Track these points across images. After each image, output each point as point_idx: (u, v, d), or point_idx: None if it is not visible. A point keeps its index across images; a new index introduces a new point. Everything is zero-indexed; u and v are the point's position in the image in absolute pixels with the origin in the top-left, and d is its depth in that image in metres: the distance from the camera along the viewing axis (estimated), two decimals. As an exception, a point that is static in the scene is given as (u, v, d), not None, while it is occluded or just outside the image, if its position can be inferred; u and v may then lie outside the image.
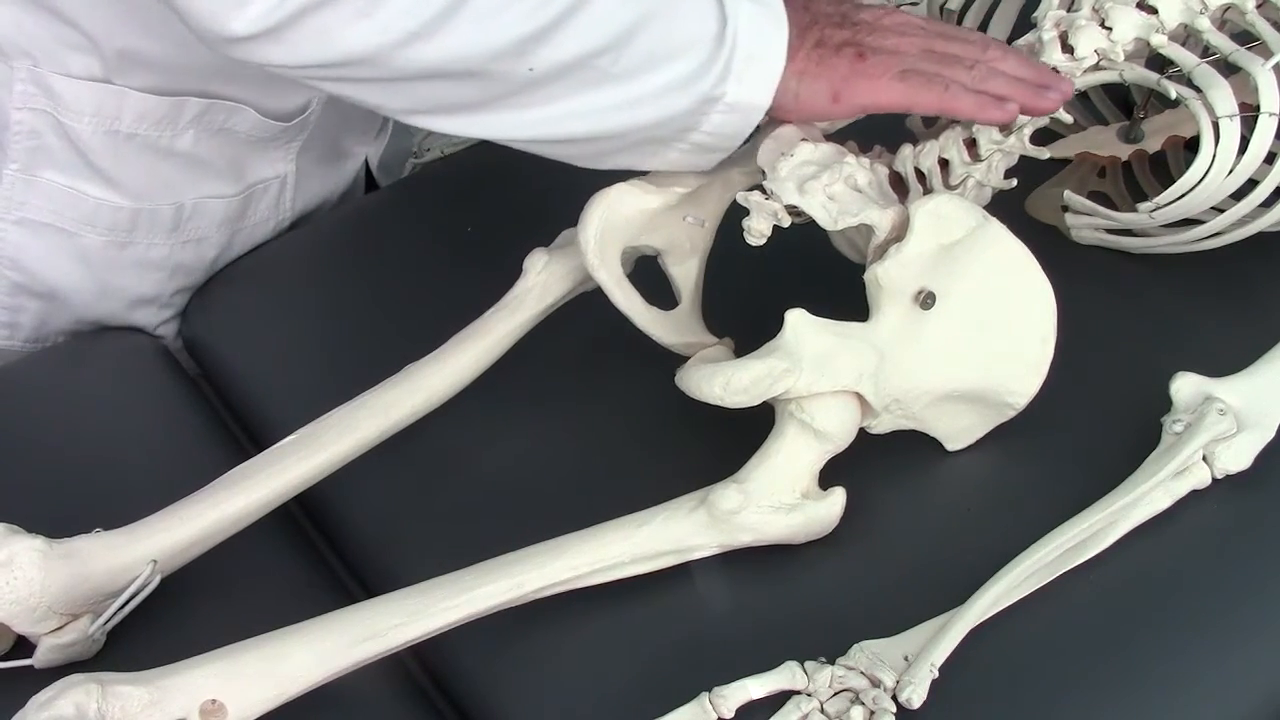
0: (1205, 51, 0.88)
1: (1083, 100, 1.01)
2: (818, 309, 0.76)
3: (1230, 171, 0.86)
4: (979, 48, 0.81)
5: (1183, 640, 0.76)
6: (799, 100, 0.79)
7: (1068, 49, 0.86)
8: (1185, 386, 0.82)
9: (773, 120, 0.81)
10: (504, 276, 0.84)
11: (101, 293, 0.98)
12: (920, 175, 0.83)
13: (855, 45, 0.79)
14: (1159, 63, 0.89)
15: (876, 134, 0.86)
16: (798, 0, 0.80)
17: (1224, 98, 0.85)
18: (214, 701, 0.66)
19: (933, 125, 0.87)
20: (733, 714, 0.71)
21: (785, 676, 0.72)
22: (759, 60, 0.77)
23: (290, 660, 0.68)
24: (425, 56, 0.71)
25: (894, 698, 0.71)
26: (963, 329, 0.79)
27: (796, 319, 0.75)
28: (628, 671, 0.75)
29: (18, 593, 0.70)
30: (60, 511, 0.76)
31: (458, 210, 1.04)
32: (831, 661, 0.72)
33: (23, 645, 0.73)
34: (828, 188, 0.78)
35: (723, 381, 0.74)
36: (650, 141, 0.79)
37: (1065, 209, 0.96)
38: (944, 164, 0.84)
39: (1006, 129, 0.83)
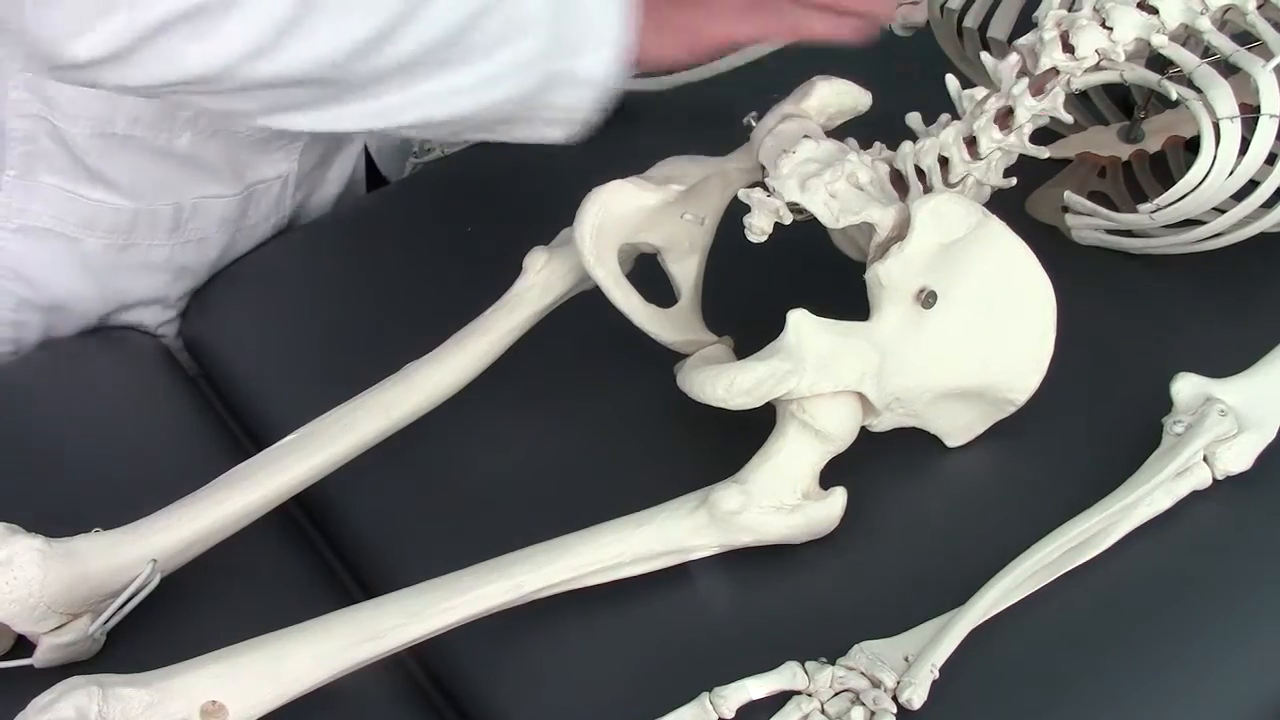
0: (1206, 52, 0.88)
1: (1083, 100, 1.01)
2: (818, 307, 0.76)
3: (1231, 173, 0.85)
4: None
5: (1183, 641, 0.76)
6: (657, 54, 0.79)
7: (1068, 49, 0.86)
8: (1186, 387, 0.82)
9: (664, 71, 0.81)
10: (504, 276, 0.84)
11: (104, 297, 0.98)
12: (920, 173, 0.83)
13: None
14: (1160, 63, 0.89)
15: (876, 132, 0.86)
16: None
17: (1224, 99, 0.85)
18: (214, 702, 0.66)
19: (932, 125, 0.87)
20: (733, 714, 0.71)
21: (785, 677, 0.72)
22: (599, 32, 0.77)
23: (290, 661, 0.68)
24: (268, 71, 0.71)
25: (894, 698, 0.71)
26: (964, 327, 0.78)
27: (798, 319, 0.75)
28: (628, 671, 0.75)
29: (17, 592, 0.70)
30: (60, 511, 0.76)
31: (458, 210, 1.04)
32: (832, 662, 0.72)
33: (23, 645, 0.73)
34: (830, 185, 0.78)
35: (726, 384, 0.74)
36: (504, 120, 0.79)
37: (1065, 209, 0.96)
38: (944, 162, 0.84)
39: (1006, 128, 0.83)
